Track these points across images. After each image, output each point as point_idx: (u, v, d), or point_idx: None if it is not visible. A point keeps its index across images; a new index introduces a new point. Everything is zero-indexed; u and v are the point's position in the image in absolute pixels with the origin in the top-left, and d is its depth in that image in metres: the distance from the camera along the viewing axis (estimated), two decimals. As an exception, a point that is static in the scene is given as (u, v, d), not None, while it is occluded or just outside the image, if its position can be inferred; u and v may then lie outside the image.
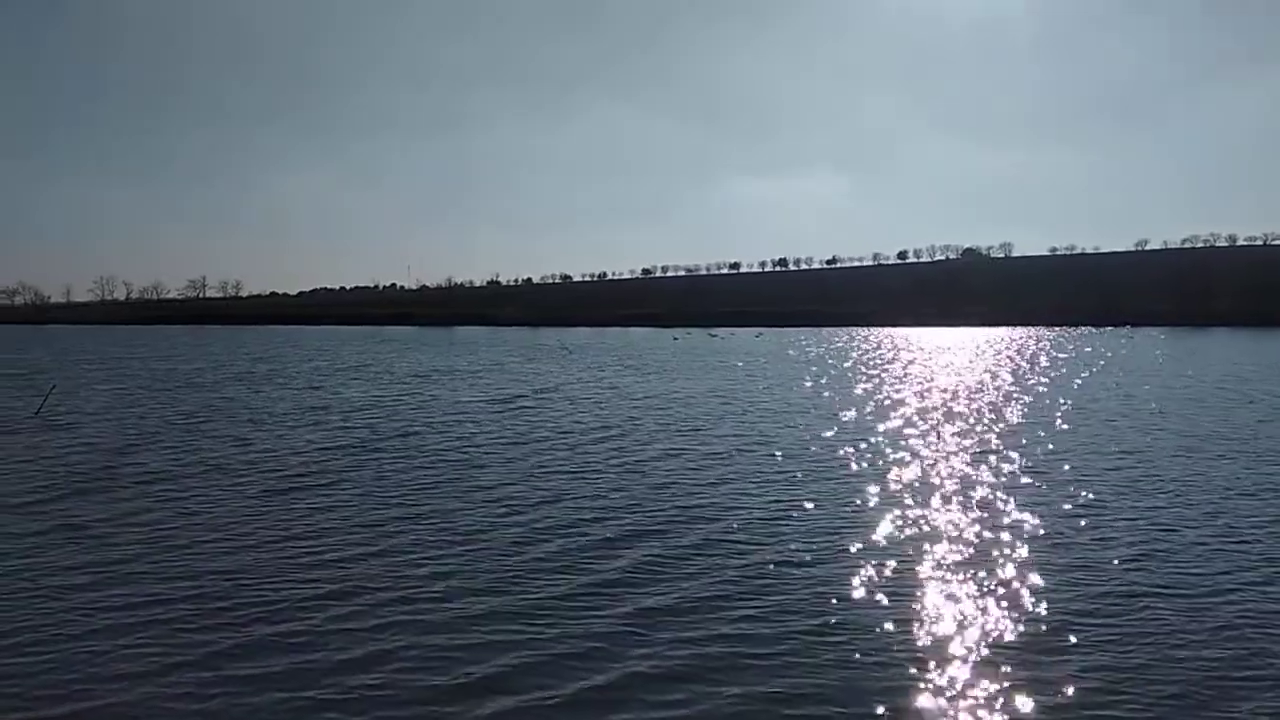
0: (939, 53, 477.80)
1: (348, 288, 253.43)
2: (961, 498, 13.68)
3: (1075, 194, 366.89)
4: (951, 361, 51.04)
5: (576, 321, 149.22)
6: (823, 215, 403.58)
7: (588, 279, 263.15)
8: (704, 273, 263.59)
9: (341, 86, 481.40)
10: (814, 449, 18.57)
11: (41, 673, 7.15)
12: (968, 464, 16.71)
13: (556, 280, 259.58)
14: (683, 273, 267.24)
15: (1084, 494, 13.89)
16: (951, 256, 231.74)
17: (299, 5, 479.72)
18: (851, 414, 24.82)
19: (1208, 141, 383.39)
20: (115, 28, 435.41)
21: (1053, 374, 39.81)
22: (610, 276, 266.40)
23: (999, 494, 13.94)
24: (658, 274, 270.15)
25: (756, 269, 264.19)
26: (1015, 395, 30.07)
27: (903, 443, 19.43)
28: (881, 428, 21.90)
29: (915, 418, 23.97)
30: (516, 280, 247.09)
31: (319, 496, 13.90)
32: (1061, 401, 27.79)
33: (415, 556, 10.41)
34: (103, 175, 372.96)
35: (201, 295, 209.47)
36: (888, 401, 28.48)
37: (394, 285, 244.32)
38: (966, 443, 19.39)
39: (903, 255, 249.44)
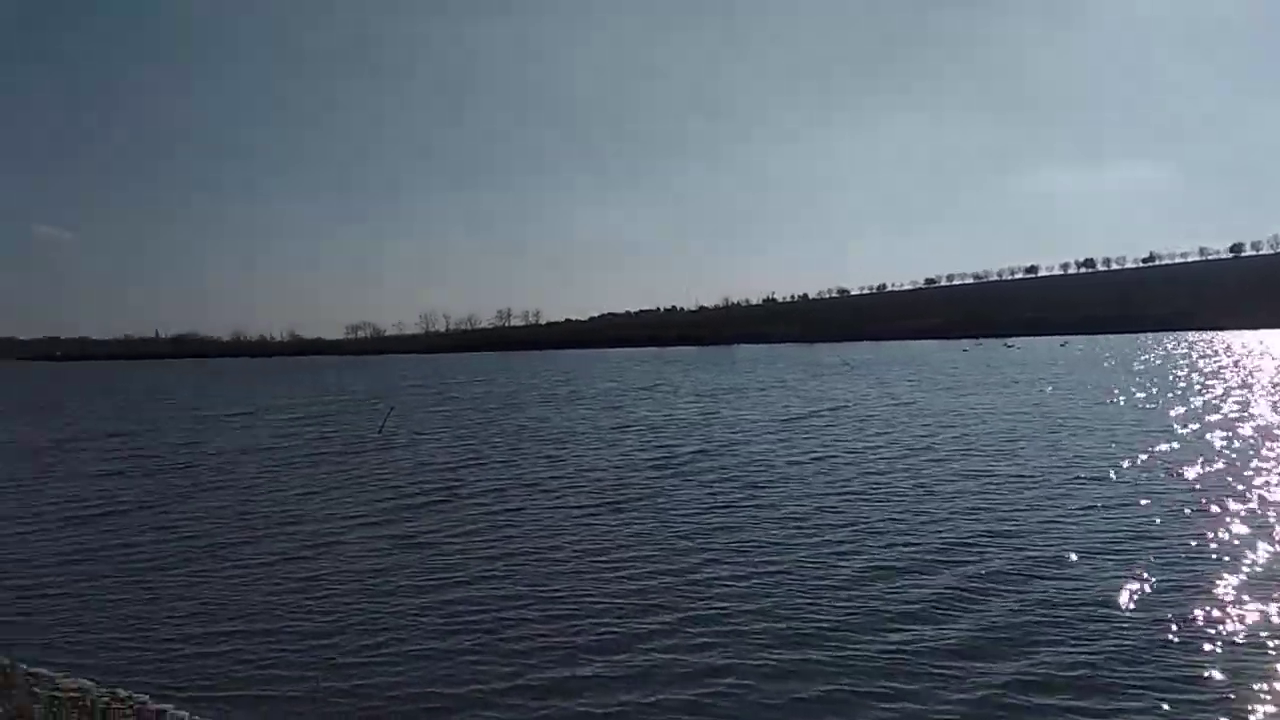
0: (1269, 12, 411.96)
1: (633, 311, 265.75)
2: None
3: None
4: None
5: (855, 336, 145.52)
6: (1135, 208, 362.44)
7: (866, 291, 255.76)
8: (995, 278, 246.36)
9: (627, 117, 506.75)
10: (1157, 476, 16.12)
11: (394, 682, 7.65)
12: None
13: (833, 295, 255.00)
14: (970, 280, 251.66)
15: None
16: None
17: (591, 49, 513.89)
18: (1212, 435, 21.49)
19: None
20: (429, 102, 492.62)
21: None
22: (890, 288, 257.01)
23: None
24: (942, 282, 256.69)
25: (1058, 271, 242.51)
26: None
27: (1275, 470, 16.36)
28: (1243, 449, 18.67)
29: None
30: (792, 296, 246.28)
31: (624, 515, 14.13)
32: None
33: (720, 580, 10.13)
34: (433, 222, 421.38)
35: (507, 324, 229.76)
36: (1247, 419, 24.39)
37: (674, 307, 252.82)
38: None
39: (1236, 249, 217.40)
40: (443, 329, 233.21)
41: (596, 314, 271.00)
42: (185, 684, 7.85)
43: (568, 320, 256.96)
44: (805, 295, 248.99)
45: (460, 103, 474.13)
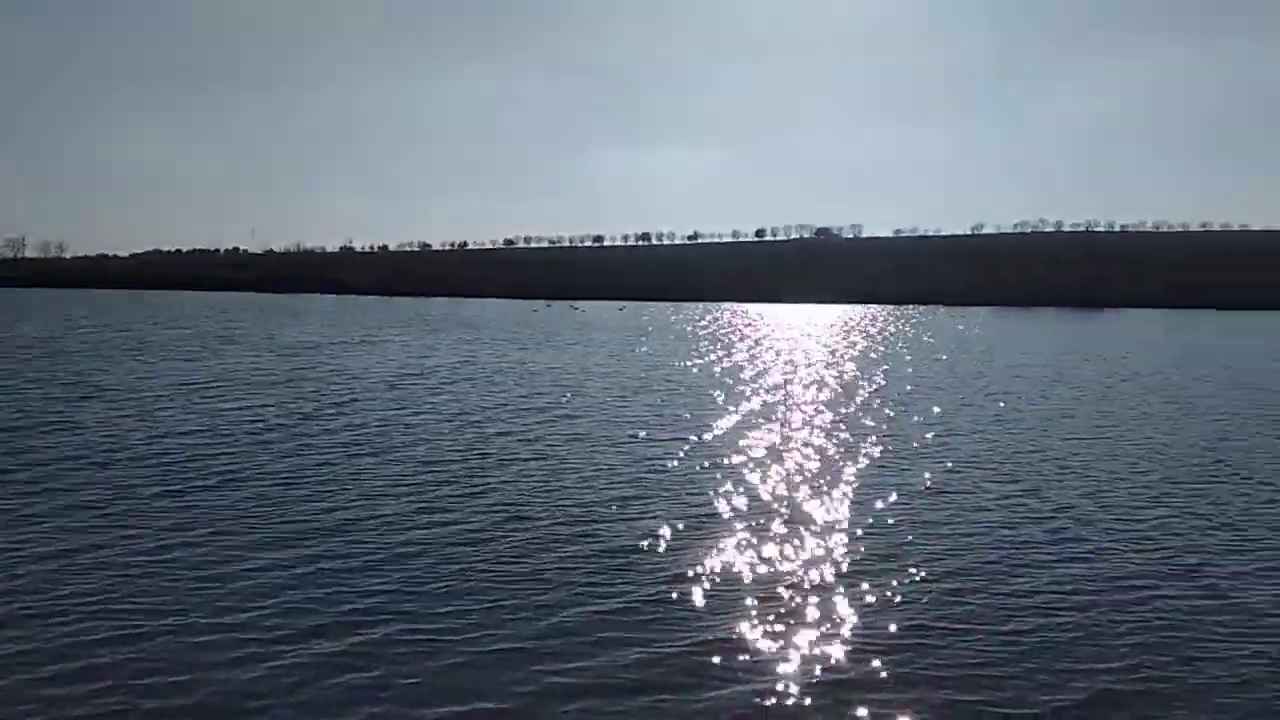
0: (804, 33, 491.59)
1: (185, 250, 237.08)
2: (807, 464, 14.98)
3: (921, 177, 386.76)
4: (811, 339, 53.76)
5: (435, 291, 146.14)
6: (687, 190, 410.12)
7: (448, 248, 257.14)
8: (567, 244, 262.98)
9: (178, 33, 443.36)
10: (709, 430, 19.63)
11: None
12: (835, 439, 18.18)
13: (415, 248, 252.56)
14: (546, 244, 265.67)
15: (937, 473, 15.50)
16: (806, 235, 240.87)
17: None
18: (757, 397, 26.17)
19: (1040, 130, 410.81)
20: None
21: (908, 353, 42.82)
22: (471, 246, 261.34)
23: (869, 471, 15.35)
24: (520, 244, 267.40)
25: (620, 242, 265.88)
26: (878, 372, 32.34)
27: (763, 420, 20.83)
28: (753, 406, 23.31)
29: (774, 395, 25.55)
30: (372, 247, 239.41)
31: (216, 496, 13.40)
32: (914, 378, 30.21)
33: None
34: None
35: (20, 256, 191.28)
36: (759, 377, 30.09)
37: (236, 249, 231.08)
38: (832, 420, 20.98)
39: (760, 233, 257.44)
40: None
41: (140, 250, 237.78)
42: None
43: (101, 255, 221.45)
44: (385, 246, 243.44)
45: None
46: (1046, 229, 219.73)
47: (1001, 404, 24.45)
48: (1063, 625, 8.48)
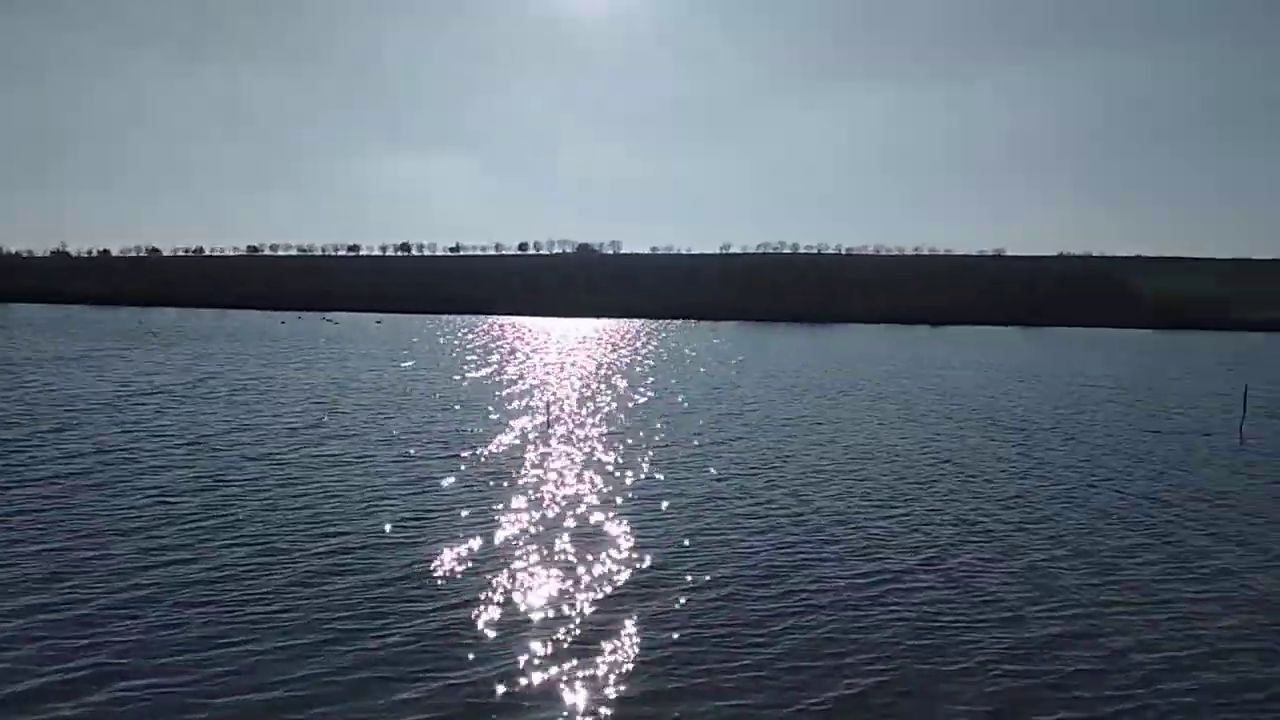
0: (567, 53, 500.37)
1: None
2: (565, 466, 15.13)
3: (673, 199, 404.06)
4: (578, 352, 54.40)
5: (166, 300, 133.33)
6: (449, 202, 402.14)
7: (181, 253, 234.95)
8: (320, 253, 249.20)
9: None
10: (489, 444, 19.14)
11: None
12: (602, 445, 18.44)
13: (142, 254, 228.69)
14: (295, 252, 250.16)
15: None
16: (568, 250, 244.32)
17: None
18: (519, 409, 25.79)
19: (781, 154, 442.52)
20: None
21: (670, 364, 44.44)
22: (210, 252, 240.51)
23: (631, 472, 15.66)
24: (266, 252, 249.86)
25: (378, 252, 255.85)
26: (645, 385, 33.20)
27: (524, 430, 20.77)
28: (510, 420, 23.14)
29: (546, 410, 25.58)
30: (91, 251, 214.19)
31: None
32: (678, 388, 31.37)
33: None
34: None
35: None
36: (519, 391, 29.95)
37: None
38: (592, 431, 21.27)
39: (523, 246, 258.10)
40: None
41: None
42: None
43: None
44: (107, 251, 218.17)
45: None
46: (785, 250, 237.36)
47: (758, 412, 25.93)
48: (818, 624, 9.03)
